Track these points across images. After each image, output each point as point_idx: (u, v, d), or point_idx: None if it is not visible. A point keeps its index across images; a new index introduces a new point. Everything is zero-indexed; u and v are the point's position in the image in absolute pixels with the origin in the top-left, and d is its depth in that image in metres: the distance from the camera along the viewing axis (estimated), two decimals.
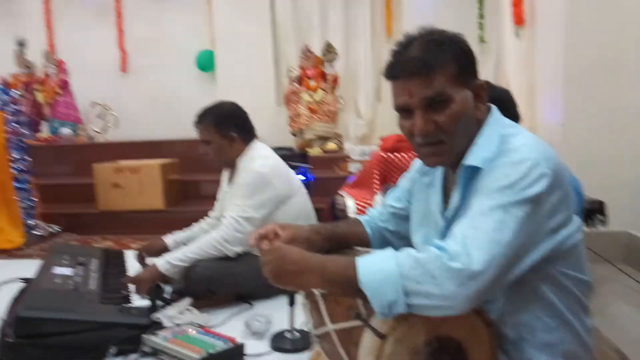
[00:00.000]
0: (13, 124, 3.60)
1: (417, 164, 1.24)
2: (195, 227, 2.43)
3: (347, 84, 5.44)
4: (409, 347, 0.92)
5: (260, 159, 2.19)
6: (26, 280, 2.01)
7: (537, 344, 1.01)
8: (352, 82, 5.51)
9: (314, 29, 5.49)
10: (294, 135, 5.22)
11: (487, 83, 1.12)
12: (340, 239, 1.27)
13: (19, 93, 4.06)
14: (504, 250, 0.88)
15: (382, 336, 0.90)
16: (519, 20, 3.39)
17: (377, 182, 2.27)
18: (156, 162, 4.12)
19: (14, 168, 3.62)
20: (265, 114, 5.26)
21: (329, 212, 2.31)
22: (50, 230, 3.86)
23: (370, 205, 2.23)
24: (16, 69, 5.43)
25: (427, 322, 0.92)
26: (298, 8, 5.50)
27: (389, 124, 5.20)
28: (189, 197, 4.44)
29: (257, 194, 2.12)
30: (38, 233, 3.72)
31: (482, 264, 0.85)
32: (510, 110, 1.46)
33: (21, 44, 5.37)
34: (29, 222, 3.70)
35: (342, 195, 2.34)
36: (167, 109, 5.92)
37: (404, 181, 1.30)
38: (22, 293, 1.92)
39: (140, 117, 5.78)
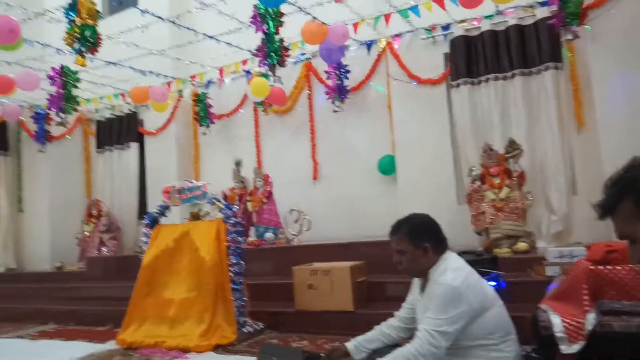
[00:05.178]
0: (233, 233, 4.28)
1: None
2: (376, 330, 2.49)
3: (535, 178, 5.16)
4: None
5: (452, 272, 2.17)
6: None
7: None
8: (542, 176, 5.20)
9: (494, 126, 5.42)
10: (479, 234, 5.05)
11: None
12: None
13: (237, 206, 4.87)
14: None
15: None
16: None
17: (587, 298, 2.03)
18: (346, 265, 4.38)
19: (231, 271, 4.24)
20: (446, 213, 5.22)
21: (531, 328, 2.13)
22: (256, 327, 4.30)
23: (581, 324, 2.00)
24: (232, 184, 6.54)
25: None
26: (477, 107, 5.53)
27: (587, 218, 4.69)
28: (375, 298, 4.53)
29: (451, 308, 2.09)
30: (247, 330, 4.17)
31: None
32: None
33: (238, 163, 6.50)
34: (240, 319, 4.19)
35: (545, 311, 2.15)
36: (352, 211, 6.36)
37: None
38: None
39: (328, 220, 6.30)
